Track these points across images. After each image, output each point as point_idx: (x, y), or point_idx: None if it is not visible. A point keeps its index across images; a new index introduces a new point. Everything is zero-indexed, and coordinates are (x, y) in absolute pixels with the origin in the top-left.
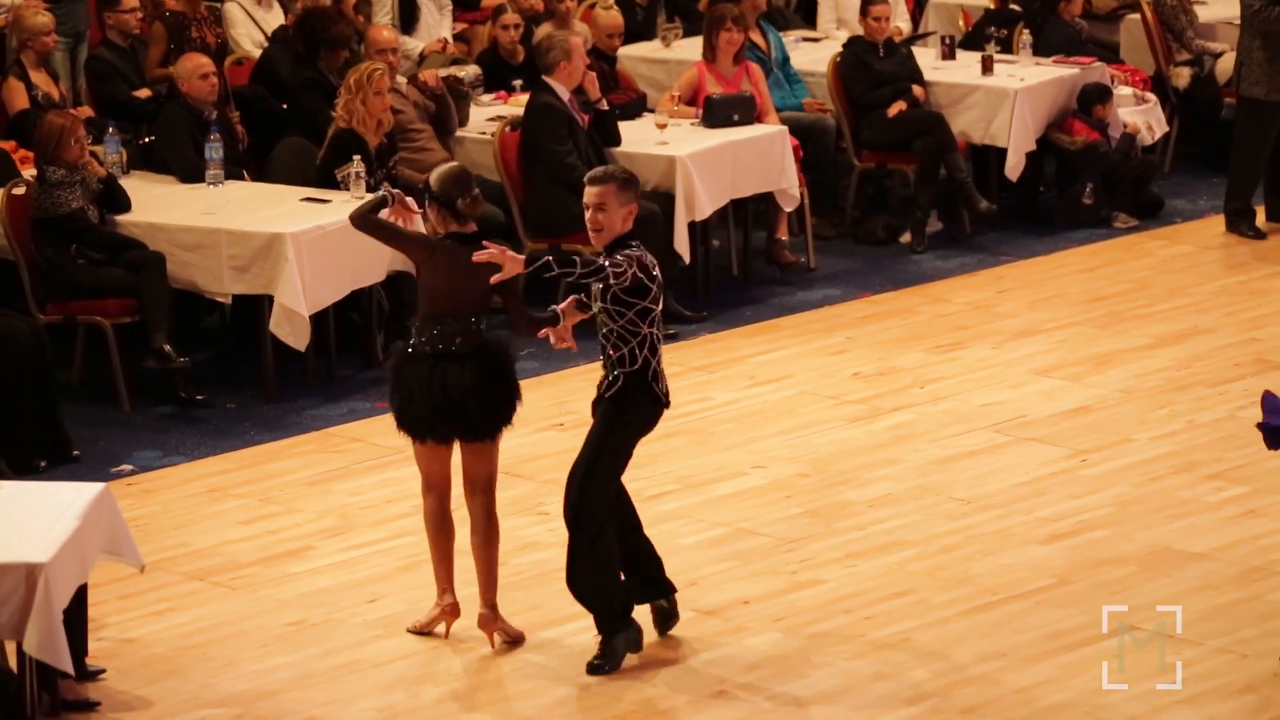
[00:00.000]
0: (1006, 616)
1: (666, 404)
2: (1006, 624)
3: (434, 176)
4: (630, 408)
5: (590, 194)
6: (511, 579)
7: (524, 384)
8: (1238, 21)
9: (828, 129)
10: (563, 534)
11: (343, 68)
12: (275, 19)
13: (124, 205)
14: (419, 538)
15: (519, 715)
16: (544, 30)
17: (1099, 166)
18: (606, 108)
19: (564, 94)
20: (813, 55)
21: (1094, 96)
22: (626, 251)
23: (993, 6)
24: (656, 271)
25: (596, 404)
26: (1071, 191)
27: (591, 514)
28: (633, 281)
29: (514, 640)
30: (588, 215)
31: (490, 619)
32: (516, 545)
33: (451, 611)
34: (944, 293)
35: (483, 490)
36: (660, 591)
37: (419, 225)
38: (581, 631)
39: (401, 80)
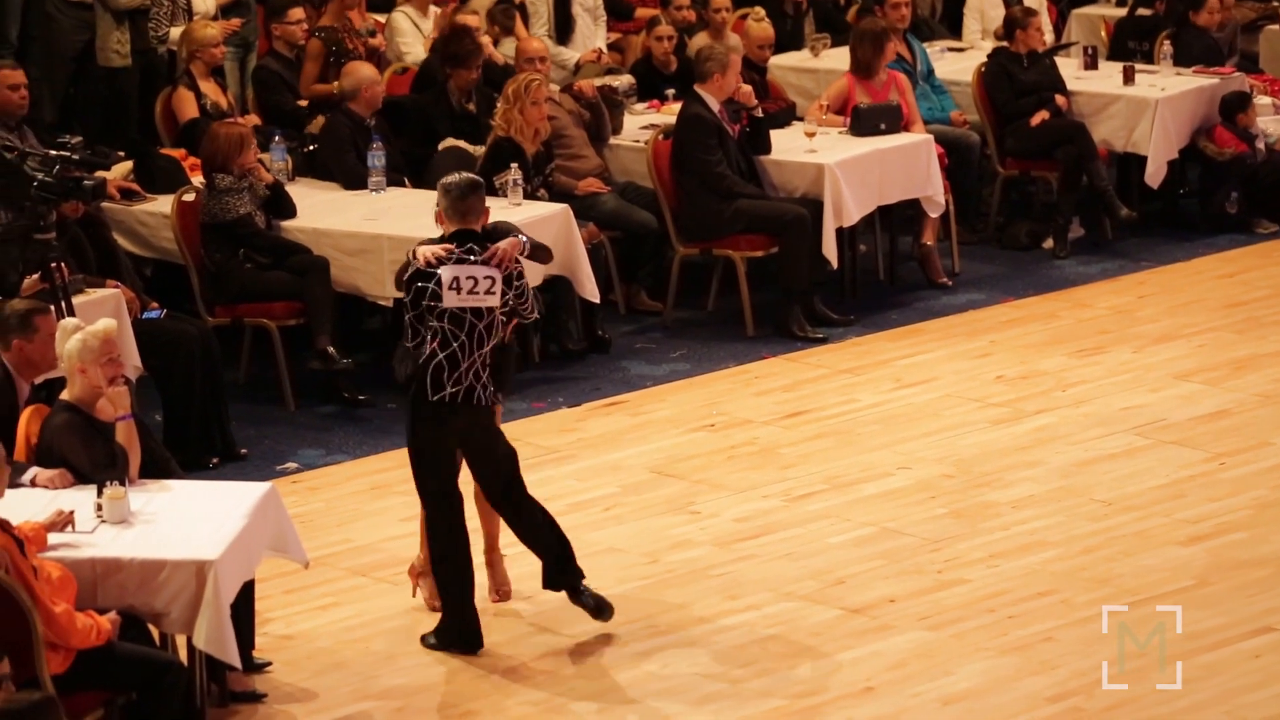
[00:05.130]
0: (1147, 617)
1: None
2: (1147, 624)
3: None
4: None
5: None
6: (664, 577)
7: (675, 385)
8: None
9: (972, 144)
10: (716, 531)
11: (468, 87)
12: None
13: (289, 211)
14: (573, 535)
15: (663, 713)
16: (702, 40)
17: (1244, 175)
18: (762, 114)
19: (714, 104)
20: (958, 65)
21: (1235, 105)
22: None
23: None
24: None
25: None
26: (1215, 199)
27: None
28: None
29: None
30: None
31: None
32: (668, 543)
33: None
34: (1086, 298)
35: None
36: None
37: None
38: (733, 627)
39: (556, 89)
